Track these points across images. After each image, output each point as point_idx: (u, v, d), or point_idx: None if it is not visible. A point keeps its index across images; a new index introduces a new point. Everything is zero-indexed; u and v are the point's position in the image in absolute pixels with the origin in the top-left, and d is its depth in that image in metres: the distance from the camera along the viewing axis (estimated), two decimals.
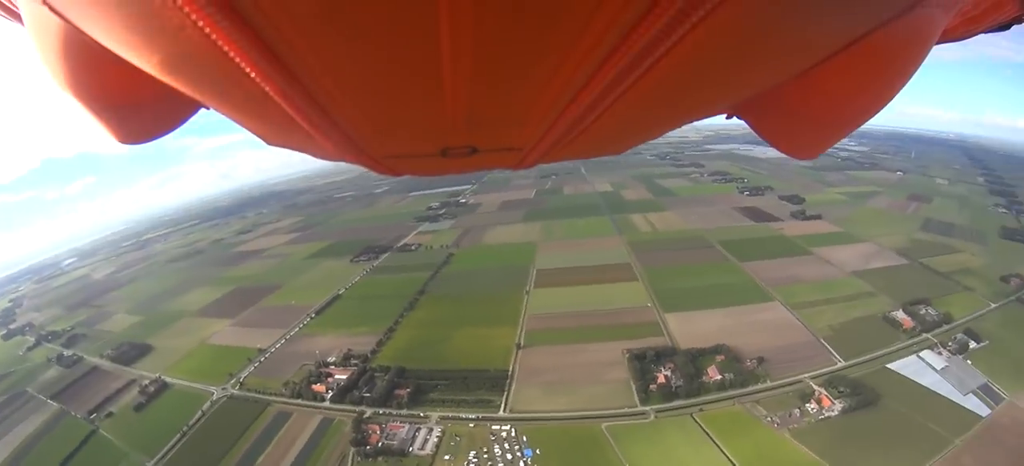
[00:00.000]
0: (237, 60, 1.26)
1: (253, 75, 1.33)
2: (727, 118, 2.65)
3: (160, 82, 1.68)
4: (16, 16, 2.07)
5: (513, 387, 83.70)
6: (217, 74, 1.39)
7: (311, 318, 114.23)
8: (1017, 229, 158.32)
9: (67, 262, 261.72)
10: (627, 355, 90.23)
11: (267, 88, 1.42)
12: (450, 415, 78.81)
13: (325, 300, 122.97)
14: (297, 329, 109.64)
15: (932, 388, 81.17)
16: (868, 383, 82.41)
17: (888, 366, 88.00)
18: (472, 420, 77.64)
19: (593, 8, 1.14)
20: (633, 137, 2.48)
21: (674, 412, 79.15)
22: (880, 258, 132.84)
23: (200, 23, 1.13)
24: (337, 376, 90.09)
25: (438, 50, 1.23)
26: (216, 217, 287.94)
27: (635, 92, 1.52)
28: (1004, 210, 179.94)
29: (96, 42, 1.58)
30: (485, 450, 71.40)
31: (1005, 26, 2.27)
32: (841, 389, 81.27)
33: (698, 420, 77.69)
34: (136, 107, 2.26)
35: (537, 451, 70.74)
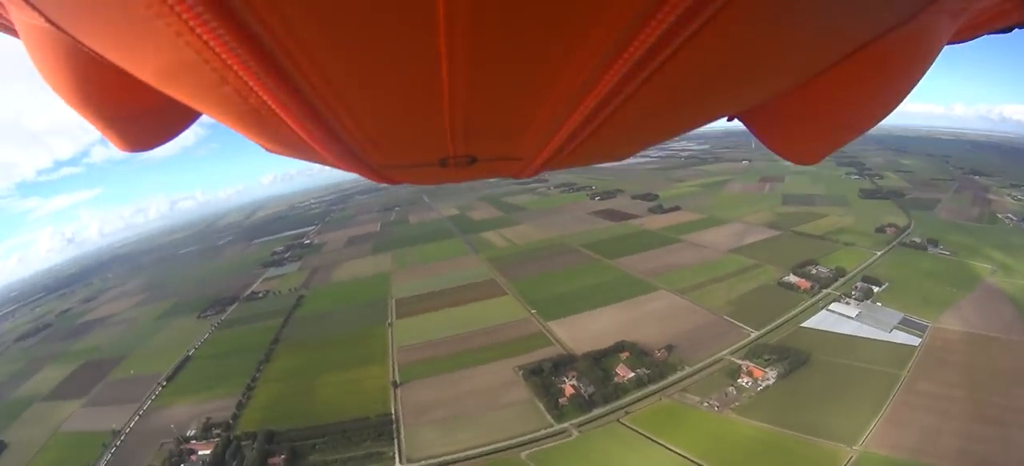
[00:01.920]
0: (235, 69, 1.31)
1: (251, 84, 1.39)
2: (729, 120, 2.71)
3: (159, 94, 1.76)
4: (11, 28, 2.20)
5: (403, 432, 77.17)
6: (215, 84, 1.45)
7: (163, 386, 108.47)
8: (874, 189, 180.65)
9: None
10: (521, 372, 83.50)
11: (265, 98, 1.48)
12: None
13: (175, 364, 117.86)
14: (150, 401, 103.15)
15: (855, 334, 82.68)
16: (791, 345, 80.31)
17: (803, 325, 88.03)
18: None
19: (592, 18, 1.20)
20: (636, 143, 2.58)
21: (597, 422, 72.64)
22: (752, 234, 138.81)
23: (198, 31, 1.18)
24: (201, 452, 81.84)
25: (436, 61, 1.28)
26: (62, 286, 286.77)
27: (637, 100, 1.57)
28: (857, 176, 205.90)
29: (93, 52, 1.65)
30: None
31: (1007, 29, 2.40)
32: (767, 357, 77.32)
33: (628, 424, 71.36)
34: (137, 115, 2.41)
35: None
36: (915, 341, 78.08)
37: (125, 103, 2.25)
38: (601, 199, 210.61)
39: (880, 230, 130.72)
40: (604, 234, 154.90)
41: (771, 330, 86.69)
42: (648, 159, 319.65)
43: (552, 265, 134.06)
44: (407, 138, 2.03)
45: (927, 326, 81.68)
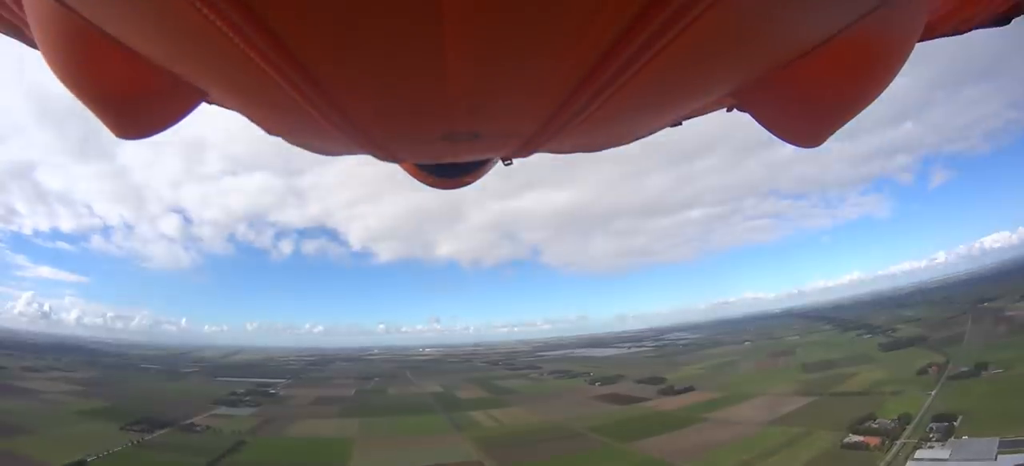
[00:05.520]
0: (242, 47, 1.36)
1: (258, 62, 1.45)
2: (727, 111, 2.88)
3: (161, 76, 1.85)
4: (14, 25, 2.37)
5: None
6: (221, 61, 1.53)
7: None
8: (893, 342, 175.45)
9: None
10: None
11: (272, 74, 1.54)
12: None
13: (65, 464, 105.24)
14: None
15: None
16: None
17: None
18: None
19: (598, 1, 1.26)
20: (634, 127, 2.74)
21: None
22: (785, 404, 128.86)
23: (203, 10, 1.23)
24: None
25: (440, 36, 1.33)
26: (15, 348, 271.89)
27: (638, 81, 1.66)
28: (868, 335, 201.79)
29: (99, 31, 1.74)
30: None
31: (1003, 20, 2.40)
32: None
33: None
34: (135, 101, 2.47)
35: None
36: None
37: (124, 85, 2.29)
38: (602, 385, 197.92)
39: (922, 372, 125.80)
40: (612, 417, 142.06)
41: None
42: (643, 348, 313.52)
43: (555, 449, 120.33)
44: (413, 114, 2.13)
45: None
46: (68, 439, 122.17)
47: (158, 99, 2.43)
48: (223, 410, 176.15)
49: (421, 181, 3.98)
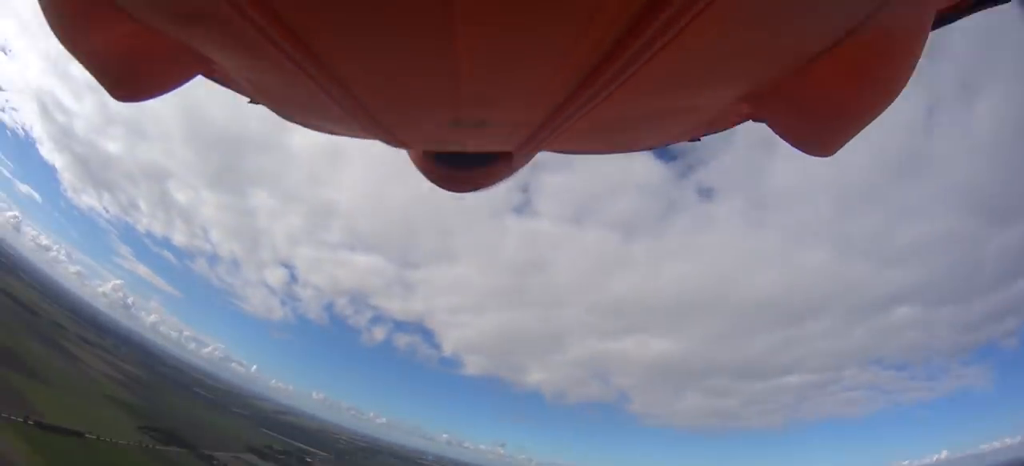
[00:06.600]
0: (245, 26, 1.35)
1: (262, 41, 1.43)
2: (744, 121, 2.87)
3: (162, 40, 1.88)
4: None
5: None
6: (225, 36, 1.53)
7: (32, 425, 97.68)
8: None
9: None
10: None
11: (277, 54, 1.53)
12: None
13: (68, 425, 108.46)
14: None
15: None
16: None
17: None
18: None
19: None
20: (646, 131, 2.73)
21: None
22: None
23: None
24: None
25: (451, 25, 1.31)
26: (84, 319, 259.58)
27: (647, 73, 1.62)
28: None
29: None
30: None
31: None
32: None
33: None
34: (135, 62, 2.45)
35: None
36: None
37: (124, 45, 2.28)
38: None
39: None
40: None
41: None
42: None
43: None
44: (422, 100, 2.16)
45: None
46: (79, 409, 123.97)
47: (158, 63, 2.38)
48: (251, 457, 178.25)
49: (428, 175, 3.58)
